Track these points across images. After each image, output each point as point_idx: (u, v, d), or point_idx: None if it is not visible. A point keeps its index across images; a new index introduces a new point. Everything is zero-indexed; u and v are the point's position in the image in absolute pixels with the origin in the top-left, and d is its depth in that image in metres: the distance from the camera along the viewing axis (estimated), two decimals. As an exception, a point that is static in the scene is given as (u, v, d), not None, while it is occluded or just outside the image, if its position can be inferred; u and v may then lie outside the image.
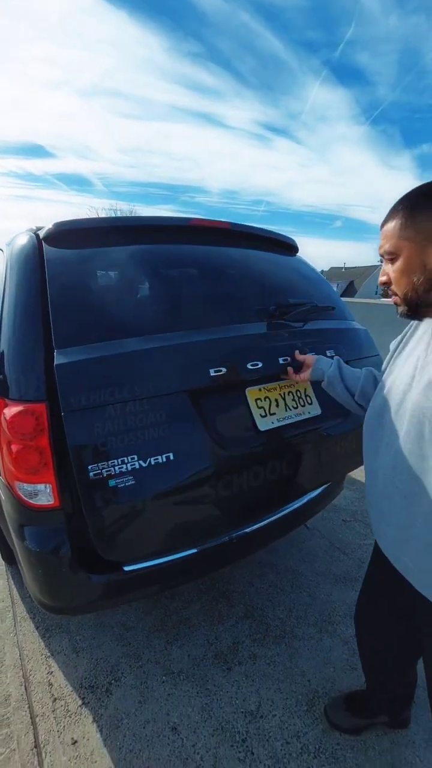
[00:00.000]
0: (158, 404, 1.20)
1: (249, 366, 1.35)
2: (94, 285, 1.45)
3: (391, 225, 0.82)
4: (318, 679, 1.54)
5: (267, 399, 1.44)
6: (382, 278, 0.88)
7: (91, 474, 1.12)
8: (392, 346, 1.01)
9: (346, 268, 51.38)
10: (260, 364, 1.37)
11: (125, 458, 1.14)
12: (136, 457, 1.15)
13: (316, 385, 1.54)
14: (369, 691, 1.37)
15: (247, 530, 1.54)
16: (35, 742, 1.34)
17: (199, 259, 1.72)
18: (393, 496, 0.88)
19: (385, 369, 1.01)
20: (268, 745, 1.33)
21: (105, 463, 1.13)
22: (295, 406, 1.50)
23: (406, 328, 0.98)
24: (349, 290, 44.86)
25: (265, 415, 1.41)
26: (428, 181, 0.80)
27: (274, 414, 1.43)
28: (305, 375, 1.33)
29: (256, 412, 1.39)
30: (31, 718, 1.42)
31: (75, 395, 1.15)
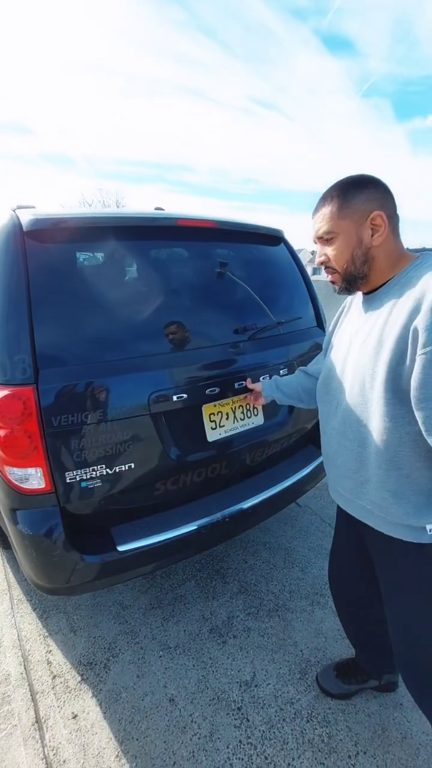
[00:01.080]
0: (125, 425, 1.33)
1: (207, 392, 1.49)
2: (73, 301, 1.36)
3: (328, 209, 0.92)
4: (310, 649, 1.60)
5: (219, 413, 1.59)
6: (321, 258, 0.98)
7: (68, 480, 1.27)
8: (331, 325, 1.16)
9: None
10: (218, 390, 1.52)
11: (95, 467, 1.30)
12: (104, 466, 1.32)
13: None
14: (357, 658, 1.42)
15: (239, 509, 1.57)
16: (36, 717, 1.38)
17: (171, 280, 1.73)
18: (346, 448, 0.99)
19: (327, 345, 1.16)
20: (262, 711, 1.38)
21: (80, 470, 1.28)
22: (243, 417, 1.66)
23: (340, 309, 1.13)
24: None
25: (215, 428, 1.57)
26: (355, 173, 0.94)
27: (223, 426, 1.59)
28: (260, 401, 1.53)
29: (207, 426, 1.55)
30: (31, 695, 1.45)
31: (56, 417, 1.23)
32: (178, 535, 1.43)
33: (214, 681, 1.48)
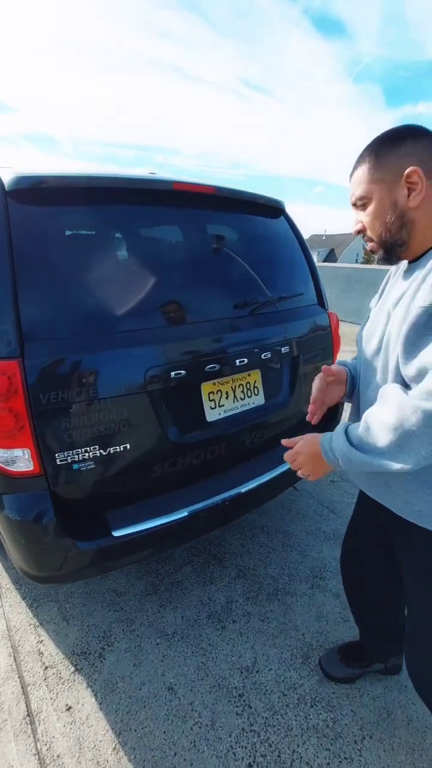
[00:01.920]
0: (120, 403, 1.25)
1: (207, 369, 1.42)
2: (63, 268, 1.26)
3: (360, 171, 0.84)
4: (312, 633, 1.56)
5: (219, 392, 1.51)
6: (357, 226, 0.90)
7: (58, 461, 1.19)
8: (372, 304, 1.05)
9: (326, 236, 50.45)
10: (217, 367, 1.44)
11: (88, 448, 1.22)
12: (97, 447, 1.23)
13: (265, 377, 1.66)
14: (362, 641, 1.39)
15: (238, 493, 1.50)
16: (27, 710, 1.31)
17: (168, 251, 1.65)
18: None
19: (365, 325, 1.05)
20: (264, 698, 1.34)
21: (71, 452, 1.20)
22: (243, 397, 1.59)
23: (385, 279, 1.02)
24: (330, 258, 44.50)
25: (215, 407, 1.50)
26: (399, 125, 0.84)
27: (223, 406, 1.52)
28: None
29: (206, 405, 1.47)
30: (22, 687, 1.38)
31: (44, 394, 1.14)
32: (175, 520, 1.36)
33: (214, 668, 1.43)
